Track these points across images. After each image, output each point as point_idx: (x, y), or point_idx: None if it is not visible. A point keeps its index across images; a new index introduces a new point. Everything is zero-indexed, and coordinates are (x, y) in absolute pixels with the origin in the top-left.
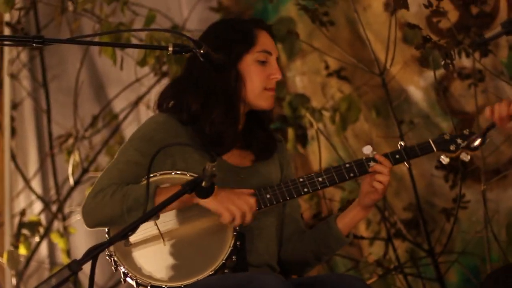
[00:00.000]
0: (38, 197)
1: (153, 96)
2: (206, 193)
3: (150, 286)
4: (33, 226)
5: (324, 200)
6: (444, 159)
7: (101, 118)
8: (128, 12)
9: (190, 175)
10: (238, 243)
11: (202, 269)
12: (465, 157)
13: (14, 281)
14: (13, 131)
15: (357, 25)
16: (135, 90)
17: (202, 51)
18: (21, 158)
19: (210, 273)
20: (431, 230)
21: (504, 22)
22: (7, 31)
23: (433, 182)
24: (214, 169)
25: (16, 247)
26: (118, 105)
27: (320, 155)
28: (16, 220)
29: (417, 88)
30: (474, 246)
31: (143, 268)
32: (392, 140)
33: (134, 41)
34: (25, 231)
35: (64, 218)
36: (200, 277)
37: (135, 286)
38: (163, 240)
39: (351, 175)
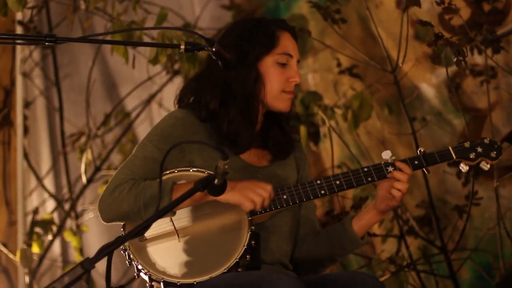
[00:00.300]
0: (51, 195)
1: (165, 94)
2: (218, 191)
3: (163, 281)
4: (46, 224)
5: (337, 197)
6: (464, 167)
7: (113, 116)
8: (140, 10)
9: (208, 173)
10: (252, 242)
11: (215, 267)
12: (485, 166)
13: (27, 279)
14: (26, 130)
15: (369, 22)
16: (147, 88)
17: (214, 49)
18: (33, 156)
19: (224, 271)
20: (443, 227)
21: None
22: (19, 30)
23: (446, 179)
24: (226, 166)
25: (29, 245)
26: (130, 103)
27: (333, 152)
28: (29, 218)
29: (429, 85)
30: (487, 243)
31: (157, 263)
32: (404, 137)
33: (146, 39)
34: (38, 230)
35: (77, 216)
36: (213, 275)
37: (148, 281)
38: (178, 236)
39: (369, 179)
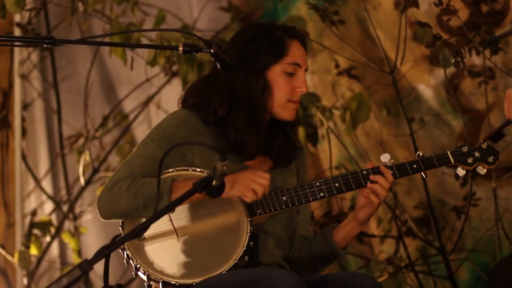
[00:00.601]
0: (49, 197)
1: (163, 96)
2: (216, 192)
3: (162, 281)
4: (44, 226)
5: (335, 199)
6: (461, 171)
7: (112, 118)
8: (138, 12)
9: (207, 173)
10: (251, 243)
11: (214, 267)
12: (481, 170)
13: (25, 281)
14: (24, 132)
15: (367, 23)
16: (145, 90)
17: (212, 50)
18: (31, 158)
19: (222, 272)
20: (442, 228)
21: None
22: (17, 32)
23: (444, 180)
24: (224, 168)
25: (27, 247)
26: (128, 105)
27: (331, 153)
28: (27, 220)
29: (427, 86)
30: (485, 244)
31: (155, 263)
32: (403, 138)
33: (144, 41)
34: (36, 231)
35: (75, 218)
36: (212, 275)
37: (146, 280)
38: (177, 236)
39: (368, 182)
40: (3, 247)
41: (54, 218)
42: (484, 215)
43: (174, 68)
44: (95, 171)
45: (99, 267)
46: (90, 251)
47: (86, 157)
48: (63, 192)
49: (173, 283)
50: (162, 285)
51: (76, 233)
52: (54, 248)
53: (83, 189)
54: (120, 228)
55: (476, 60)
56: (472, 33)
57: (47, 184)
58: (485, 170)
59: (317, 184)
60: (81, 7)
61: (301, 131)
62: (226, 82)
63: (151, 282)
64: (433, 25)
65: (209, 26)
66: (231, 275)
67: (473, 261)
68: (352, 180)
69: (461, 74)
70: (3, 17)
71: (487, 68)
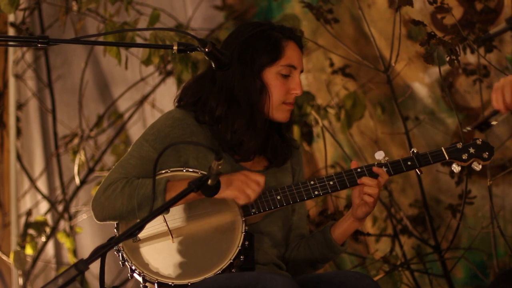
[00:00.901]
0: (44, 197)
1: (158, 95)
2: (212, 191)
3: (157, 282)
4: (39, 226)
5: (331, 197)
6: (456, 168)
7: (106, 118)
8: (132, 11)
9: (201, 173)
10: (246, 242)
11: (209, 267)
12: (477, 166)
13: (20, 281)
14: (19, 132)
15: (361, 22)
16: (140, 89)
17: (206, 49)
18: (26, 158)
19: (218, 272)
20: (437, 226)
21: (508, 18)
22: (11, 32)
23: (439, 178)
24: (220, 167)
25: (23, 247)
26: (123, 104)
27: (326, 152)
28: (22, 220)
29: (422, 84)
30: (481, 242)
31: (151, 264)
32: (398, 136)
33: (139, 40)
34: (31, 231)
35: (70, 218)
36: (208, 275)
37: (141, 282)
38: (172, 236)
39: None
40: None
41: (49, 218)
42: (479, 213)
43: (169, 67)
44: (90, 170)
45: (94, 267)
46: (85, 251)
47: (81, 156)
48: (58, 192)
49: (169, 283)
50: (158, 286)
51: (71, 233)
52: (50, 248)
53: (78, 188)
54: (115, 229)
55: (471, 58)
56: (467, 31)
57: (42, 184)
58: (480, 166)
59: (312, 182)
60: (75, 7)
61: (296, 130)
62: (223, 82)
63: (147, 284)
64: (427, 23)
65: (203, 25)
66: (226, 279)
67: (468, 260)
68: (347, 179)
69: (456, 72)
70: None
71: (481, 66)
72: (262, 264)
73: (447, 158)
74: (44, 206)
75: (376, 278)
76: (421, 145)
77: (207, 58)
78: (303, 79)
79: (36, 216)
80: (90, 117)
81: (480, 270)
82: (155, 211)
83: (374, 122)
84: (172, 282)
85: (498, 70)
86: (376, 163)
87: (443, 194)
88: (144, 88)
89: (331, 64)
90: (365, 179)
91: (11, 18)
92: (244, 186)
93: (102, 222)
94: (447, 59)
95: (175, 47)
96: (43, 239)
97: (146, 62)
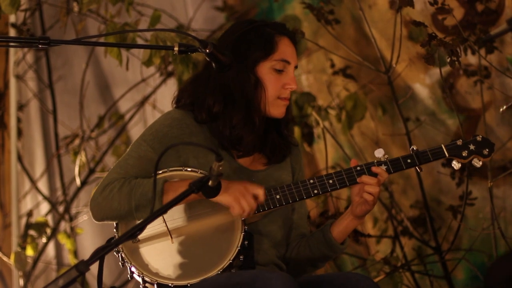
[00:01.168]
0: (45, 198)
1: (159, 96)
2: (212, 192)
3: (157, 283)
4: (40, 227)
5: (331, 198)
6: (456, 165)
7: (107, 119)
8: (133, 12)
9: (201, 172)
10: (245, 242)
11: (209, 268)
12: (477, 163)
13: (21, 282)
14: (20, 132)
15: (362, 23)
16: (140, 90)
17: (207, 50)
18: (27, 159)
19: (218, 273)
20: (438, 227)
21: (509, 19)
22: (12, 33)
23: (440, 180)
24: (220, 168)
25: (23, 248)
26: (124, 105)
27: (327, 153)
28: (23, 221)
29: (423, 85)
30: (481, 243)
31: (150, 265)
32: (398, 137)
33: (140, 41)
34: (32, 232)
35: (71, 219)
36: (207, 276)
37: (141, 283)
38: (171, 237)
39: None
40: None
41: (50, 219)
42: (480, 214)
43: (170, 68)
44: (91, 171)
45: (95, 267)
46: (86, 252)
47: (82, 157)
48: (59, 193)
49: (168, 285)
50: (157, 287)
51: (72, 234)
52: (50, 249)
53: (79, 189)
54: (114, 230)
55: (472, 59)
56: (468, 32)
57: (43, 185)
58: (480, 163)
59: (311, 181)
60: (76, 8)
61: (296, 131)
62: (219, 80)
63: (146, 285)
64: (428, 24)
65: (204, 25)
66: (225, 278)
67: (469, 261)
68: (346, 177)
69: (457, 73)
70: None
71: (482, 67)
72: (262, 264)
73: (447, 155)
74: (45, 207)
75: (376, 280)
76: (421, 146)
77: (207, 59)
78: (304, 80)
79: (37, 217)
80: (91, 118)
81: (480, 271)
82: (155, 212)
83: (375, 123)
84: (172, 283)
85: (499, 71)
86: (376, 161)
87: (444, 195)
88: (145, 89)
89: (332, 65)
90: (365, 178)
91: (12, 19)
92: (240, 197)
93: (100, 222)
94: (448, 60)
95: (176, 48)
96: (44, 240)
97: (147, 63)
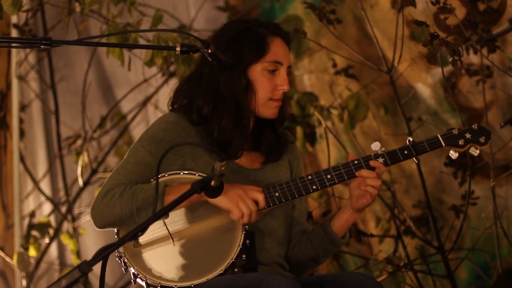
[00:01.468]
0: (48, 198)
1: (161, 96)
2: (215, 193)
3: (160, 286)
4: (43, 227)
5: (334, 198)
6: (453, 154)
7: (110, 119)
8: (135, 12)
9: (198, 175)
10: (247, 241)
11: (212, 268)
12: (474, 151)
13: (24, 282)
14: (22, 133)
15: (364, 22)
16: (143, 90)
17: (209, 50)
18: (30, 159)
19: (220, 272)
20: (440, 227)
21: (511, 18)
22: (14, 33)
23: (442, 179)
24: (223, 168)
25: (26, 248)
26: (126, 105)
27: (329, 153)
28: (26, 221)
29: (425, 85)
30: (484, 243)
31: (153, 268)
32: (401, 137)
33: (142, 41)
34: (34, 233)
35: (74, 219)
36: (210, 276)
37: (145, 286)
38: (172, 240)
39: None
40: (2, 249)
41: (52, 220)
42: (482, 214)
43: (172, 68)
44: (94, 172)
45: (98, 268)
46: (89, 252)
47: (84, 158)
48: (61, 193)
49: (172, 286)
50: None
51: (75, 234)
52: (53, 250)
53: (81, 190)
54: (116, 236)
55: (474, 58)
56: (469, 32)
57: (45, 186)
58: (478, 151)
59: (309, 177)
60: (78, 8)
61: (299, 131)
62: (210, 81)
63: None
64: (430, 23)
65: (206, 26)
66: (228, 280)
67: (472, 260)
68: (344, 171)
69: (459, 73)
70: None
71: (484, 67)
72: (265, 264)
73: (443, 144)
74: (47, 207)
75: (379, 279)
76: None
77: (209, 59)
78: (306, 80)
79: (40, 218)
80: (93, 118)
81: (483, 270)
82: (158, 212)
83: (377, 123)
84: (175, 285)
85: (501, 70)
86: (373, 154)
87: (447, 195)
88: (147, 89)
89: (334, 65)
90: (364, 172)
91: (14, 19)
92: (239, 200)
93: (102, 229)
94: (450, 59)
95: (178, 48)
96: (47, 240)
97: (149, 63)
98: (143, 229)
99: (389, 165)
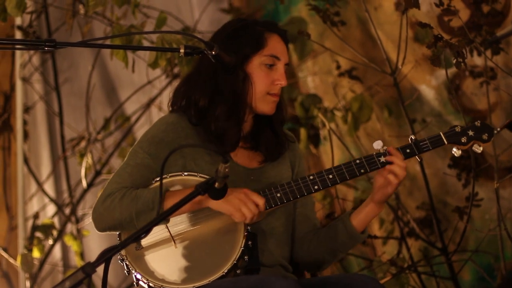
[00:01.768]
0: (51, 200)
1: (165, 98)
2: (219, 194)
3: None
4: (47, 229)
5: (337, 200)
6: (456, 152)
7: (113, 121)
8: (139, 14)
9: (200, 176)
10: (249, 242)
11: (214, 270)
12: (477, 148)
13: (28, 284)
14: (26, 135)
15: (368, 24)
16: (146, 92)
17: (213, 52)
18: (33, 161)
19: (222, 274)
20: (444, 228)
21: None
22: (18, 35)
23: (446, 181)
24: (227, 170)
25: (30, 250)
26: (130, 107)
27: (333, 155)
28: (30, 223)
29: (429, 87)
30: (488, 244)
31: (156, 271)
32: (405, 139)
33: (146, 43)
34: (38, 234)
35: (77, 221)
36: (212, 278)
37: None
38: (174, 242)
39: (362, 171)
40: (5, 250)
41: (56, 221)
42: (486, 215)
43: (176, 70)
44: (97, 173)
45: (102, 269)
46: (92, 254)
47: (88, 159)
48: (65, 195)
49: None
50: None
51: (78, 236)
52: (57, 251)
53: (85, 191)
54: (117, 239)
55: (478, 60)
56: (473, 34)
57: (49, 187)
58: (481, 148)
59: (311, 177)
60: (82, 10)
61: (303, 133)
62: (208, 78)
63: None
64: (434, 25)
65: (210, 28)
66: (230, 282)
67: (476, 262)
68: (346, 171)
69: (463, 75)
70: (4, 20)
71: (488, 69)
72: (268, 266)
73: (446, 142)
74: (51, 209)
75: (383, 281)
76: None
77: (213, 61)
78: (310, 82)
79: (43, 219)
80: (97, 120)
81: (487, 272)
82: (161, 214)
83: (381, 125)
84: (178, 287)
85: (505, 72)
86: (375, 153)
87: (450, 197)
88: (151, 91)
89: (338, 67)
90: (395, 158)
91: (18, 21)
92: (241, 204)
93: (103, 233)
94: (454, 61)
95: (182, 50)
96: (50, 242)
97: (153, 65)
98: (146, 231)
99: None
